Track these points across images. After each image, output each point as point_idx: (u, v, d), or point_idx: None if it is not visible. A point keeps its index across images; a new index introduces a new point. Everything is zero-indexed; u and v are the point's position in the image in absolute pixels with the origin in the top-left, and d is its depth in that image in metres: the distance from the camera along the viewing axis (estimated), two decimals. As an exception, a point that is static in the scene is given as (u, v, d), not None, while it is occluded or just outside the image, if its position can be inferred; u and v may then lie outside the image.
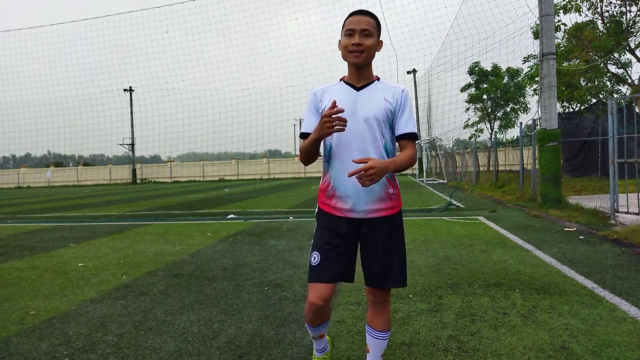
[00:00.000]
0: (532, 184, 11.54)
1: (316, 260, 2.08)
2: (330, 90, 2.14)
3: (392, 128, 2.11)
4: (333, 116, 1.86)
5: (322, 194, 2.16)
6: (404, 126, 2.11)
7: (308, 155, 2.06)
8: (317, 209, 2.22)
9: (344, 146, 2.05)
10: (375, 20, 2.08)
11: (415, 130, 2.12)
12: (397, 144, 2.16)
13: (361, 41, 2.01)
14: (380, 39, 2.13)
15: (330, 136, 2.06)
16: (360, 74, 2.09)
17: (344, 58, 2.09)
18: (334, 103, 1.88)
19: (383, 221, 2.08)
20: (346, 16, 2.12)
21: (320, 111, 2.11)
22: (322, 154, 2.19)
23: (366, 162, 1.84)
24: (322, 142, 2.11)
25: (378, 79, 2.14)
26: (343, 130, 1.90)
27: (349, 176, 1.91)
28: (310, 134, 2.06)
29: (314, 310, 2.10)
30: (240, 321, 3.30)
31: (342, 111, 1.87)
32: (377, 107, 2.05)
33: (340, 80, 2.18)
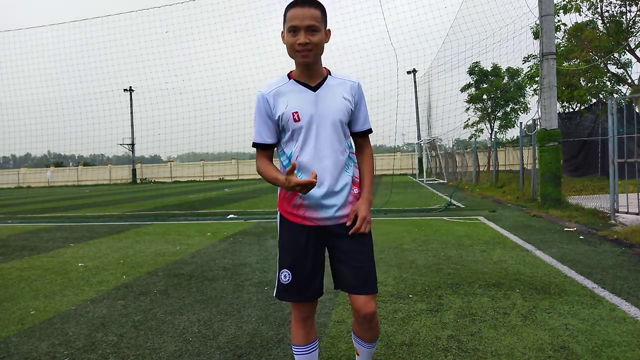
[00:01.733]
0: (532, 184, 11.54)
1: (287, 278, 1.93)
2: (283, 93, 1.92)
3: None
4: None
5: (286, 202, 1.96)
6: (363, 123, 2.03)
7: (270, 183, 1.93)
8: (279, 217, 2.02)
9: (312, 153, 1.89)
10: (320, 10, 1.86)
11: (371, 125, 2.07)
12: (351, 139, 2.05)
13: (308, 39, 1.82)
14: (328, 27, 1.93)
15: (292, 141, 1.93)
16: (311, 72, 1.92)
17: (291, 56, 1.90)
18: (314, 174, 1.76)
19: (354, 223, 1.95)
20: (287, 5, 1.88)
21: (277, 117, 1.90)
22: (280, 160, 2.01)
23: (355, 214, 1.92)
24: (278, 147, 1.99)
25: (329, 72, 1.99)
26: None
27: (350, 233, 1.90)
28: (265, 145, 1.95)
29: (303, 327, 2.00)
30: (240, 321, 3.30)
31: (315, 183, 1.76)
32: (340, 108, 1.92)
33: (289, 77, 1.96)
